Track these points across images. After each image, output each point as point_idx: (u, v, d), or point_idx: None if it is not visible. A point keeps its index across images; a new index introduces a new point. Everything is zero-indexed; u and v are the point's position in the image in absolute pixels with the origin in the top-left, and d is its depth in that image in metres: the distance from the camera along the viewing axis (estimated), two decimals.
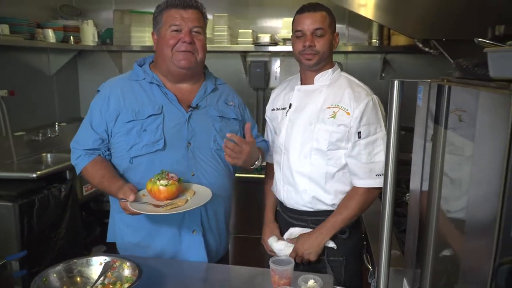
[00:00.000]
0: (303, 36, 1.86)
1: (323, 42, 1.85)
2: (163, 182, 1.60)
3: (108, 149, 1.83)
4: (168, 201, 1.62)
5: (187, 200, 1.64)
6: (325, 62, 1.91)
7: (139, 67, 1.87)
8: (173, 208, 1.58)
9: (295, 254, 1.88)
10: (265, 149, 2.07)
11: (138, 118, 1.75)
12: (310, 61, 1.87)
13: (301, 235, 1.90)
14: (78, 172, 1.84)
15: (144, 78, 1.83)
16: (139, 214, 1.59)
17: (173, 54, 1.76)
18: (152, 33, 1.86)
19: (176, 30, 1.75)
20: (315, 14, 1.85)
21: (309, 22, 1.84)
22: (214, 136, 1.83)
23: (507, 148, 0.65)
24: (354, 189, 1.89)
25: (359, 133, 1.82)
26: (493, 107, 0.72)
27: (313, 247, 1.86)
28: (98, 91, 1.87)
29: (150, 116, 1.75)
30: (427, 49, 2.62)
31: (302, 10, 1.88)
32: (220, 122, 1.87)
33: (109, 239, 1.92)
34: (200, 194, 1.69)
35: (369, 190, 1.86)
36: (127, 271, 1.48)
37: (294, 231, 1.96)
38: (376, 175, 1.82)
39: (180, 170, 1.73)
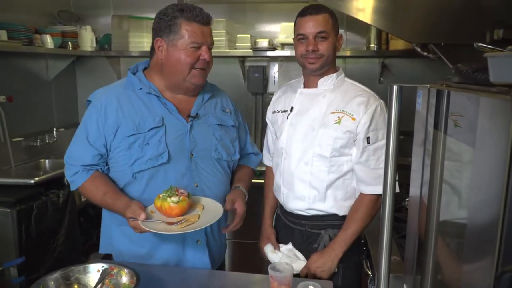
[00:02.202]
0: (305, 40, 1.82)
1: (326, 45, 1.81)
2: (174, 199, 1.55)
3: (107, 164, 1.76)
4: (180, 217, 1.57)
5: (199, 216, 1.60)
6: (329, 66, 1.87)
7: (133, 75, 1.80)
8: (188, 225, 1.54)
9: (307, 271, 1.85)
10: (254, 164, 2.10)
11: (139, 132, 1.68)
12: (313, 65, 1.84)
13: (313, 254, 1.86)
14: (74, 188, 1.76)
15: (141, 88, 1.76)
16: (152, 232, 1.54)
17: (191, 71, 1.72)
18: (158, 40, 1.73)
19: (196, 47, 1.70)
20: (317, 16, 1.80)
21: (312, 25, 1.80)
22: (215, 145, 1.80)
23: (508, 154, 0.64)
24: (359, 199, 1.86)
25: (367, 138, 1.79)
26: (493, 113, 0.71)
27: (326, 265, 1.81)
28: (89, 101, 1.80)
29: (151, 129, 1.69)
30: (425, 54, 2.61)
31: (304, 12, 1.83)
32: (219, 130, 1.84)
33: (103, 250, 1.86)
34: (209, 207, 1.67)
35: (375, 199, 1.83)
36: (125, 278, 1.47)
37: (290, 247, 1.94)
38: None
39: (184, 182, 1.71)
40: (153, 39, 1.76)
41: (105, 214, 1.85)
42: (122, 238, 1.80)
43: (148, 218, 1.55)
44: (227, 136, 1.87)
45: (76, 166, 1.73)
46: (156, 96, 1.76)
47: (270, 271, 1.48)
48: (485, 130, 0.74)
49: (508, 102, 0.65)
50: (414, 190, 1.26)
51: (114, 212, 1.71)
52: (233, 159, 1.90)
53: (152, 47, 1.78)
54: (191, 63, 1.70)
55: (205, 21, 1.72)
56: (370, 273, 1.84)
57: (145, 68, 1.85)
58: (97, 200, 1.73)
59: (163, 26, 1.71)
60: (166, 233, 1.55)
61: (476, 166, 0.77)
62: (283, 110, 2.00)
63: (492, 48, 1.11)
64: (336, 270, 1.83)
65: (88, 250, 3.38)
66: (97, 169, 1.74)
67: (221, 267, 2.00)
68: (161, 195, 1.58)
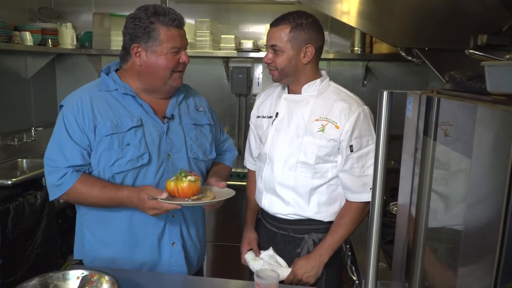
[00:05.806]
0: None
1: (280, 59, 1.80)
2: (191, 178, 1.56)
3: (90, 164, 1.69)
4: (195, 196, 1.59)
5: (213, 195, 1.64)
6: (291, 78, 1.85)
7: (106, 75, 1.75)
8: (212, 198, 1.60)
9: (293, 277, 1.82)
10: (230, 162, 2.09)
11: (118, 131, 1.65)
12: (272, 76, 1.86)
13: (299, 259, 1.85)
14: (61, 192, 1.64)
15: (116, 89, 1.72)
16: (176, 208, 1.55)
17: (172, 75, 1.70)
18: (135, 46, 1.69)
19: (176, 52, 1.68)
20: (274, 29, 1.80)
21: (269, 37, 1.82)
22: (190, 146, 1.79)
23: (509, 167, 0.62)
24: (347, 205, 1.85)
25: (351, 146, 1.77)
26: (493, 123, 0.70)
27: (313, 270, 1.80)
28: (61, 106, 1.74)
29: (130, 128, 1.67)
30: (409, 58, 2.62)
31: (272, 22, 1.84)
32: (194, 130, 1.83)
33: (77, 256, 1.80)
34: (217, 190, 1.71)
35: (362, 206, 1.82)
36: (105, 286, 1.42)
37: (271, 253, 1.91)
38: (370, 189, 1.73)
39: (161, 183, 1.69)
40: (128, 44, 1.71)
41: (79, 216, 1.80)
42: (94, 242, 1.75)
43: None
44: (202, 135, 1.86)
45: (63, 168, 1.63)
46: (132, 97, 1.72)
47: (256, 278, 1.46)
48: (483, 140, 0.73)
49: (509, 114, 0.63)
50: (403, 197, 1.25)
51: (115, 204, 1.64)
52: (209, 158, 1.89)
53: (126, 51, 1.74)
54: (172, 68, 1.69)
55: (181, 24, 1.70)
56: (355, 278, 1.82)
57: (117, 69, 1.81)
58: (93, 197, 1.63)
59: (139, 33, 1.67)
60: (196, 204, 1.59)
61: (473, 177, 0.76)
62: (268, 115, 1.98)
63: (484, 56, 1.11)
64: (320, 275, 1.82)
65: (66, 252, 3.31)
66: (84, 170, 1.67)
67: (199, 273, 1.96)
68: (172, 179, 1.59)
